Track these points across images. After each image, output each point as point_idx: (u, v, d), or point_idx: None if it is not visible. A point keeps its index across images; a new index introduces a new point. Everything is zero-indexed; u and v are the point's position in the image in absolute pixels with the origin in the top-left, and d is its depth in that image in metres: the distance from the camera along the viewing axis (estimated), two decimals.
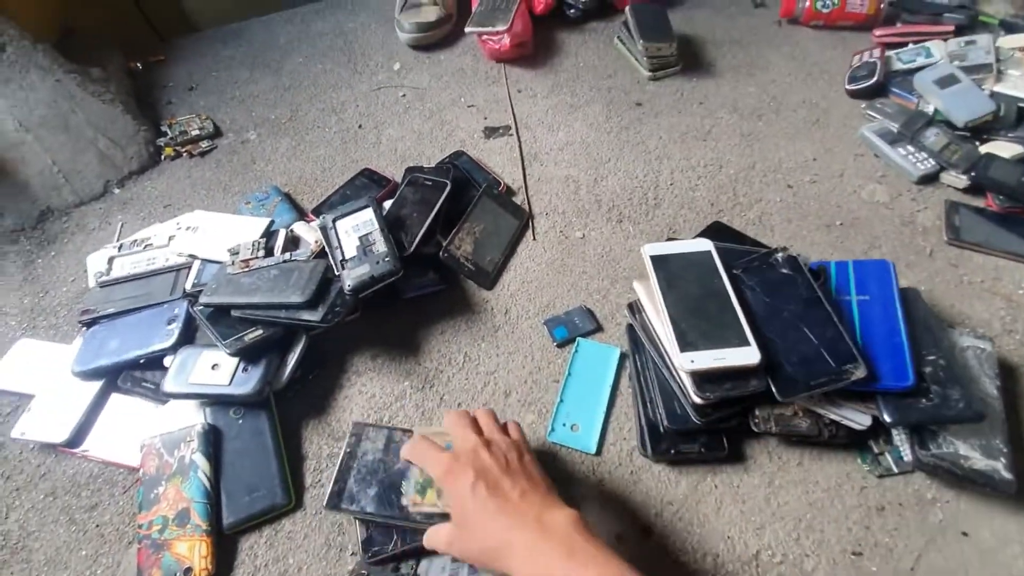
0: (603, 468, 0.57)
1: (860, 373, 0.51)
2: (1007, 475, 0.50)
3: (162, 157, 0.90)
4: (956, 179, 0.76)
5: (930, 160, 0.78)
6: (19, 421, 0.61)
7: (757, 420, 0.55)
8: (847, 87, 0.90)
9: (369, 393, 0.63)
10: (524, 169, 0.83)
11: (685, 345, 0.53)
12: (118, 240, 0.78)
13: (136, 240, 0.75)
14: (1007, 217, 0.73)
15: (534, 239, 0.76)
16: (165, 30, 1.18)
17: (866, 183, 0.79)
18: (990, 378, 0.56)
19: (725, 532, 0.53)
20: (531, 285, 0.71)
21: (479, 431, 0.48)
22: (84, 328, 0.67)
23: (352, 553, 0.53)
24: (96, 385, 0.63)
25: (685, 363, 0.52)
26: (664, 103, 0.92)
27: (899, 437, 0.54)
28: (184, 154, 0.90)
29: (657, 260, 0.59)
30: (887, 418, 0.52)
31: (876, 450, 0.56)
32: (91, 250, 0.77)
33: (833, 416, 0.54)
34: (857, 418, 0.53)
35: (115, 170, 0.87)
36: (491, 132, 0.89)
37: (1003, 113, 0.79)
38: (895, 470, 0.55)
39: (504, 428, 0.50)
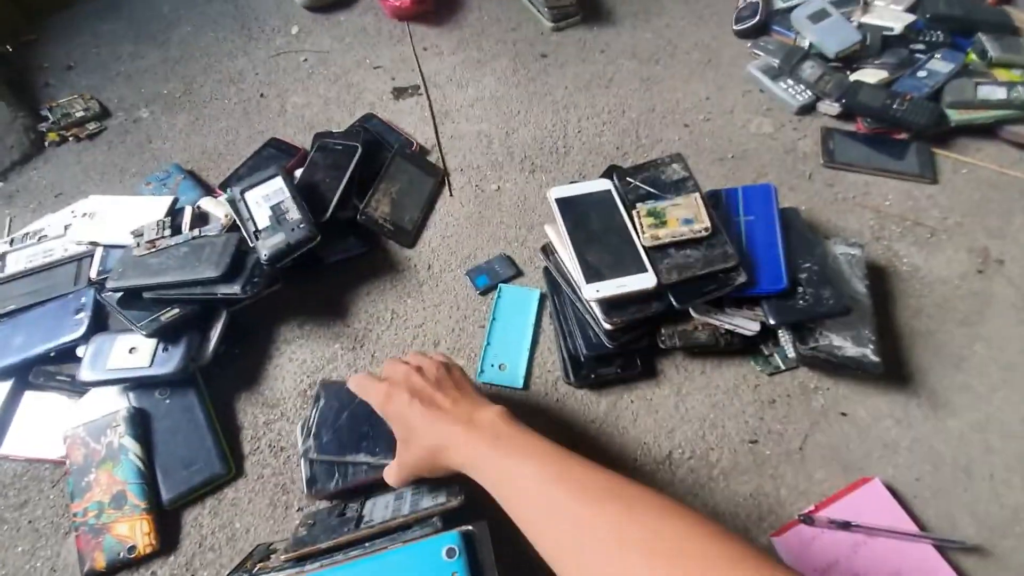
0: (531, 400, 0.61)
1: (741, 279, 0.57)
2: (875, 358, 0.58)
3: (46, 144, 0.84)
4: (830, 107, 0.84)
5: (807, 91, 0.85)
6: None
7: (663, 337, 0.60)
8: (734, 27, 0.95)
9: (300, 359, 0.64)
10: (436, 127, 0.84)
11: (591, 276, 0.57)
12: (8, 235, 0.73)
13: (29, 232, 0.71)
14: (874, 138, 0.81)
15: (451, 195, 0.77)
16: (32, 6, 1.07)
17: (753, 117, 0.85)
18: (859, 279, 0.64)
19: (642, 439, 0.59)
20: (451, 239, 0.73)
21: (407, 363, 0.52)
22: None
23: (298, 509, 0.55)
24: (6, 385, 0.60)
25: (591, 293, 0.57)
26: (568, 53, 0.94)
27: (784, 338, 0.61)
28: (70, 138, 0.84)
29: (562, 202, 0.63)
30: (771, 320, 0.58)
31: (766, 352, 0.63)
32: None
33: (727, 325, 0.60)
34: (747, 325, 0.60)
35: None
36: (400, 93, 0.88)
37: (869, 42, 0.87)
38: (783, 367, 0.62)
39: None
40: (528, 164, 0.80)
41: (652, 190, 0.64)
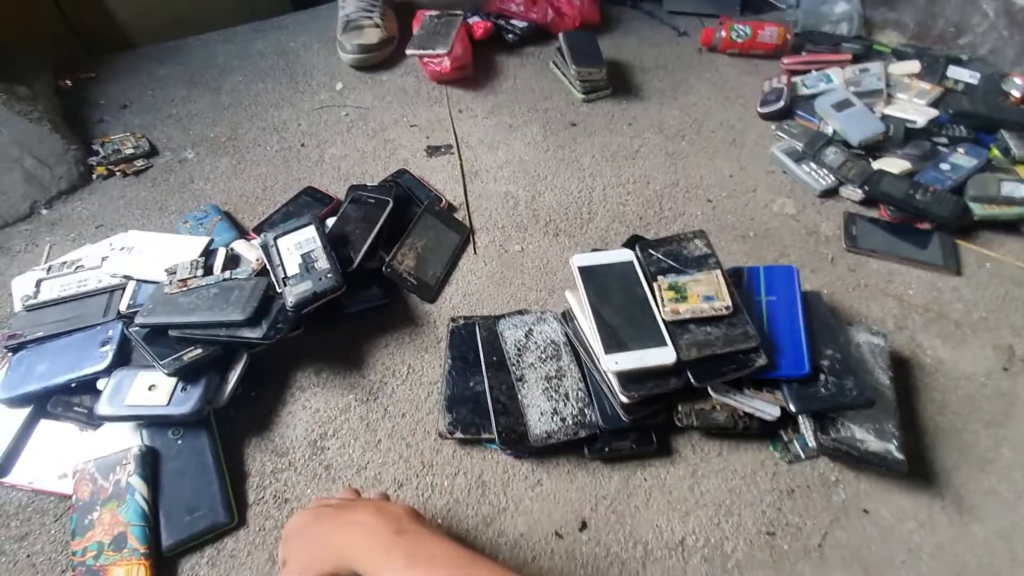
0: (542, 469, 0.60)
1: (761, 361, 0.57)
2: (899, 455, 0.57)
3: (93, 177, 0.88)
4: (853, 193, 0.85)
5: (830, 176, 0.86)
6: None
7: (680, 415, 0.60)
8: (759, 110, 0.98)
9: (313, 408, 0.64)
10: (465, 186, 0.87)
11: (610, 347, 0.57)
12: (46, 262, 0.75)
13: (66, 262, 0.73)
14: (898, 226, 0.82)
15: (475, 253, 0.79)
16: (96, 46, 1.15)
17: (776, 197, 0.87)
18: (883, 369, 0.63)
19: (654, 521, 0.57)
20: (472, 297, 0.74)
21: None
22: (10, 354, 0.65)
23: None
24: (23, 412, 0.61)
25: (611, 364, 0.56)
26: (596, 124, 0.97)
27: (804, 425, 0.60)
28: (117, 173, 0.88)
29: (584, 270, 0.64)
30: (791, 407, 0.57)
31: (785, 439, 0.62)
32: (15, 273, 0.74)
33: (746, 408, 0.59)
34: (767, 409, 0.59)
35: (42, 190, 0.85)
36: (433, 151, 0.92)
37: (892, 133, 0.89)
38: (802, 456, 0.61)
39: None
40: (552, 228, 0.82)
41: (674, 264, 0.65)
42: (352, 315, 0.70)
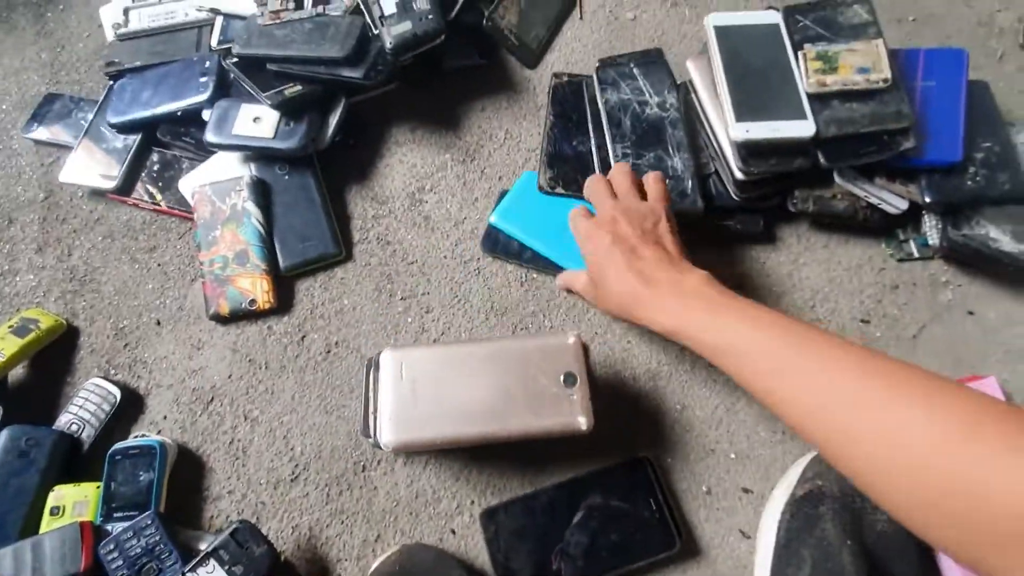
0: None
1: (908, 143, 0.51)
2: None
3: None
4: None
5: None
6: (64, 168, 0.61)
7: (796, 200, 0.56)
8: None
9: (410, 163, 0.63)
10: None
11: (742, 115, 0.52)
12: None
13: None
14: None
15: (581, 18, 0.70)
16: None
17: None
18: None
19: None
20: (576, 67, 0.68)
21: (615, 196, 0.50)
22: (111, 80, 0.65)
23: (402, 297, 0.58)
24: (135, 138, 0.62)
25: (740, 133, 0.52)
26: None
27: (929, 223, 0.56)
28: None
29: (720, 31, 0.55)
30: (927, 198, 0.53)
31: (901, 237, 0.58)
32: (100, 3, 0.71)
33: (872, 199, 0.55)
34: (895, 201, 0.54)
35: None
36: None
37: None
38: (916, 255, 0.58)
39: (641, 187, 0.51)
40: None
41: (825, 32, 0.56)
42: (448, 73, 0.66)
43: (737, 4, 0.70)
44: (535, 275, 0.58)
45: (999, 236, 0.53)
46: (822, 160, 0.53)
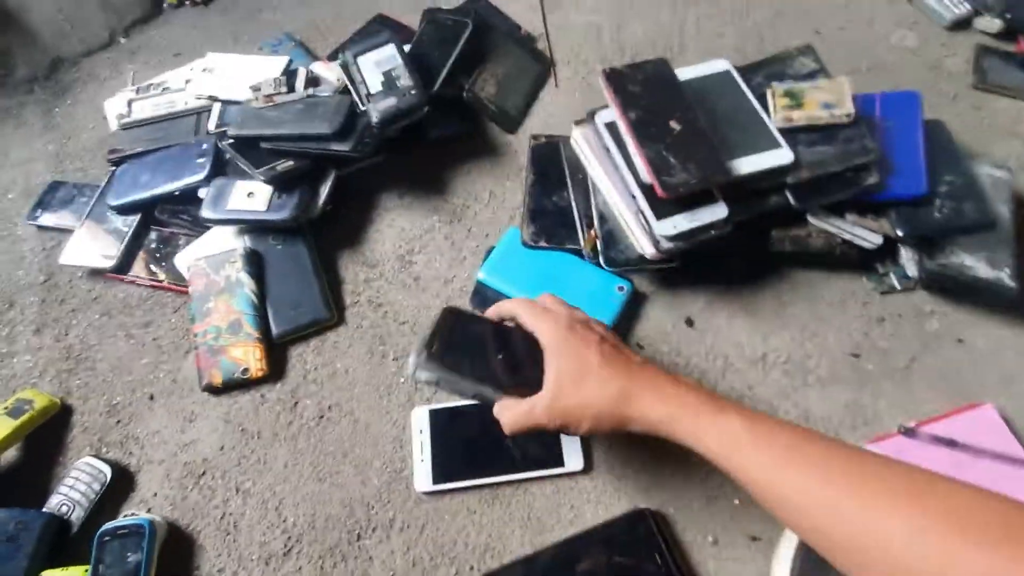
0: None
1: (872, 179, 0.53)
2: (1011, 283, 0.53)
3: (164, 5, 0.86)
4: (990, 23, 0.74)
5: (964, 4, 0.75)
6: (65, 250, 0.63)
7: (773, 241, 0.58)
8: None
9: (399, 227, 0.66)
10: (544, 15, 0.80)
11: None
12: (133, 85, 0.76)
13: (152, 84, 0.74)
14: None
15: (556, 85, 0.75)
16: None
17: (896, 29, 0.77)
18: (1004, 202, 0.58)
19: (736, 339, 0.57)
20: (554, 130, 0.71)
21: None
22: (113, 167, 0.68)
23: (394, 358, 0.58)
24: (134, 219, 0.65)
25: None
26: None
27: (906, 255, 0.57)
28: (187, 2, 0.86)
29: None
30: (899, 231, 0.54)
31: (881, 270, 0.59)
32: (106, 97, 0.76)
33: (847, 235, 0.56)
34: (869, 236, 0.56)
35: (118, 18, 0.84)
36: None
37: None
38: (898, 287, 0.59)
39: None
40: (640, 60, 0.76)
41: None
42: (434, 142, 0.70)
43: None
44: None
45: (974, 263, 0.54)
46: (793, 202, 0.55)
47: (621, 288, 0.58)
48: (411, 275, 0.63)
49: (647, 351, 0.57)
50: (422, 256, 0.64)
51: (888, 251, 0.58)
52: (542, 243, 0.60)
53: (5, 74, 0.80)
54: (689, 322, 0.58)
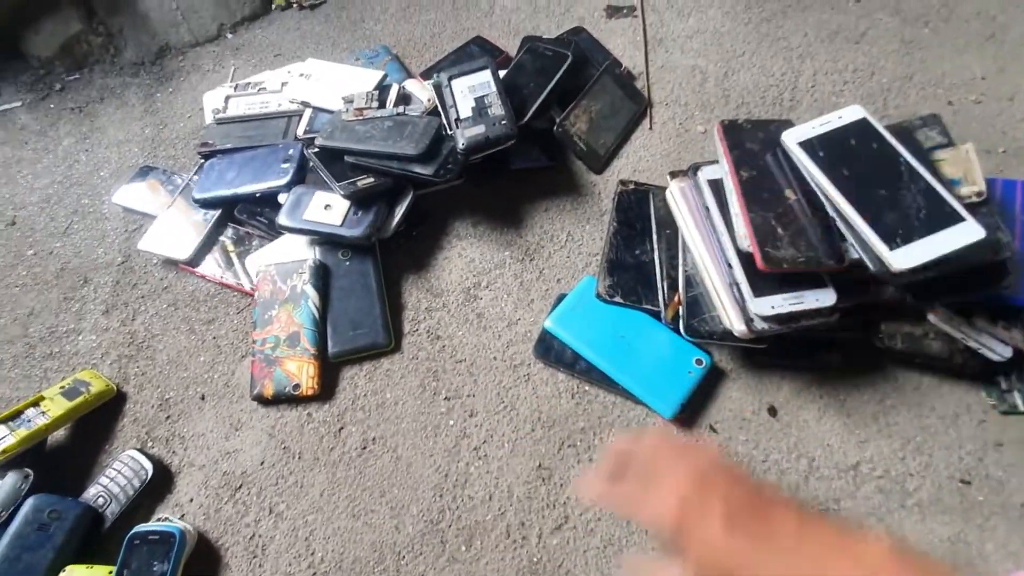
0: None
1: (1007, 280, 0.46)
2: None
3: (272, 6, 0.88)
4: None
5: None
6: (145, 236, 0.64)
7: (883, 336, 0.51)
8: None
9: (469, 257, 0.63)
10: (647, 53, 0.77)
11: (890, 239, 0.45)
12: (232, 82, 0.78)
13: (250, 83, 0.75)
14: None
15: (651, 128, 0.71)
16: None
17: None
18: None
19: (825, 439, 0.51)
20: (642, 175, 0.67)
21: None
22: (202, 159, 0.69)
23: (445, 398, 0.55)
24: (214, 213, 0.65)
25: (904, 262, 0.44)
26: None
27: None
28: (294, 5, 0.88)
29: (808, 145, 0.52)
30: None
31: (1004, 386, 0.52)
32: (206, 89, 0.78)
33: (971, 342, 0.49)
34: (997, 347, 0.49)
35: (228, 13, 0.87)
36: (614, 12, 0.82)
37: None
38: (1021, 408, 0.51)
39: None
40: (744, 111, 0.71)
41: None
42: (515, 173, 0.67)
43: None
44: (587, 387, 0.55)
45: None
46: (911, 297, 0.49)
47: (699, 361, 0.53)
48: (475, 311, 0.60)
49: (720, 436, 0.52)
50: (489, 292, 0.61)
51: (1017, 365, 0.51)
52: (617, 299, 0.56)
53: (114, 54, 0.84)
54: (772, 411, 0.53)
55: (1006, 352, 0.49)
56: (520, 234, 0.64)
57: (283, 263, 0.60)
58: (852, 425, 0.52)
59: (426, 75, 0.76)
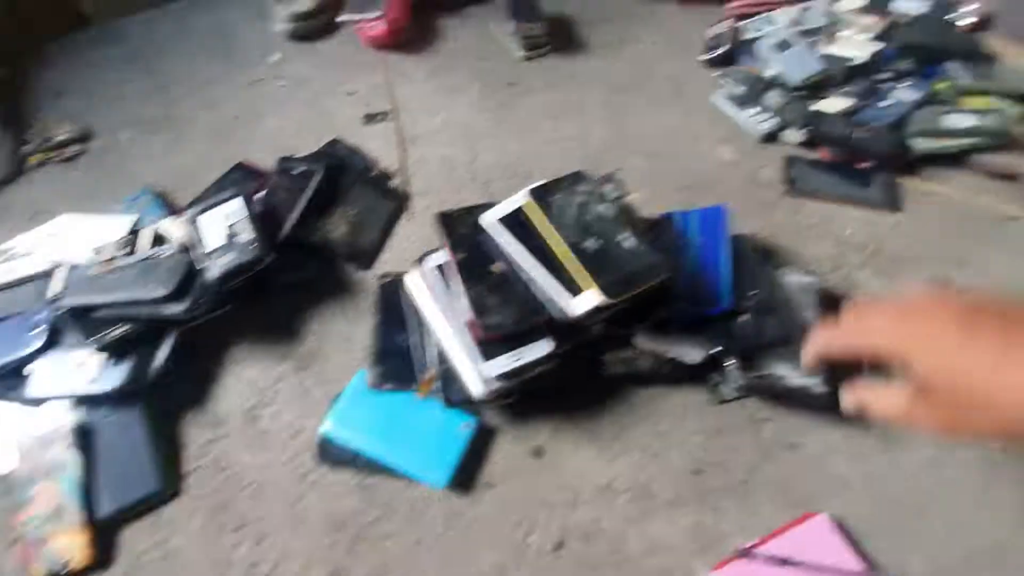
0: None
1: (671, 300, 0.57)
2: (820, 389, 0.57)
3: (27, 166, 0.87)
4: (793, 135, 0.84)
5: (772, 119, 0.85)
6: None
7: (606, 365, 0.60)
8: (702, 58, 0.96)
9: (247, 379, 0.65)
10: (403, 151, 0.85)
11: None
12: None
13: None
14: (837, 166, 0.81)
15: (408, 220, 0.78)
16: (34, 31, 1.11)
17: (717, 146, 0.85)
18: (810, 307, 0.63)
19: (581, 468, 0.58)
20: (409, 262, 0.73)
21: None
22: None
23: (233, 529, 0.55)
24: None
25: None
26: (537, 81, 0.95)
27: (728, 367, 0.60)
28: (52, 160, 0.87)
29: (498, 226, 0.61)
30: (711, 348, 0.58)
31: (715, 381, 0.62)
32: None
33: (671, 354, 0.59)
34: (690, 354, 0.59)
35: None
36: (371, 118, 0.90)
37: (834, 72, 0.87)
38: (729, 397, 0.61)
39: None
40: (489, 188, 0.81)
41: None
42: (284, 287, 0.70)
43: None
44: (372, 479, 0.58)
45: (786, 372, 0.58)
46: (620, 329, 0.58)
47: (467, 425, 0.59)
48: (258, 430, 0.61)
49: (497, 490, 0.57)
50: (271, 408, 0.63)
51: (717, 362, 0.61)
52: (388, 385, 0.61)
53: None
54: (538, 452, 0.59)
55: (697, 356, 0.59)
56: (297, 344, 0.67)
57: (39, 435, 0.57)
58: (601, 448, 0.59)
59: (190, 208, 0.78)
